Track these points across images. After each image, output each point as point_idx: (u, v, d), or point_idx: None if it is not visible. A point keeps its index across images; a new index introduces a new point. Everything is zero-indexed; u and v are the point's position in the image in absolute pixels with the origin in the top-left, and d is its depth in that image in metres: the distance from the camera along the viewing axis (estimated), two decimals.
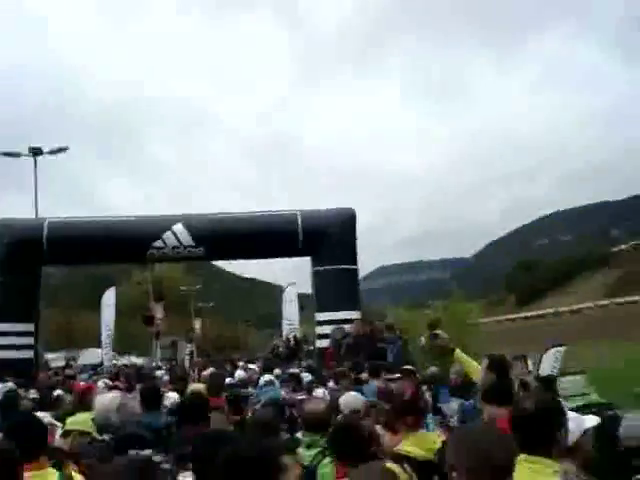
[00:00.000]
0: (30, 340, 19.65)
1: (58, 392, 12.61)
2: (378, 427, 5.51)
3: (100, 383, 13.26)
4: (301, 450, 5.01)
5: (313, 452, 4.98)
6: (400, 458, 4.26)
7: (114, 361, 30.54)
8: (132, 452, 4.68)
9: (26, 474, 3.76)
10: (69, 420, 6.59)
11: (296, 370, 15.33)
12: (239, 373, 15.22)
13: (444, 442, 4.56)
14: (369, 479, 3.30)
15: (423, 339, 14.51)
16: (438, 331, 7.28)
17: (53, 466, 4.52)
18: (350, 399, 6.41)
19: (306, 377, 13.13)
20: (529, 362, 13.32)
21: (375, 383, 10.09)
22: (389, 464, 4.24)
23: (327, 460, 4.83)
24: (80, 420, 6.54)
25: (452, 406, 7.05)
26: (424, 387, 8.63)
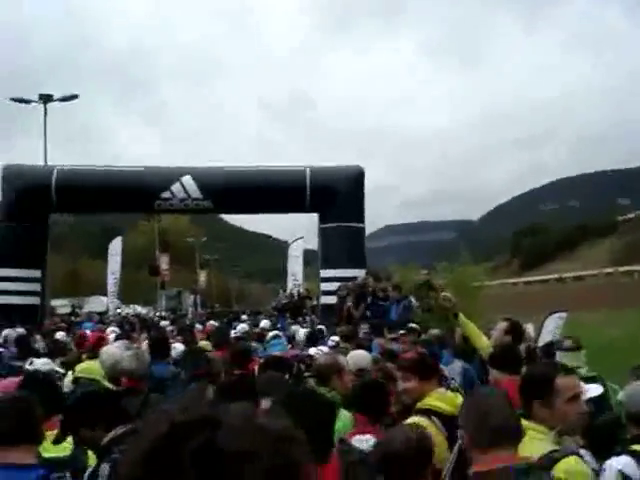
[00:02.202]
0: (37, 286, 19.84)
1: (62, 336, 12.79)
2: None
3: (109, 330, 13.40)
4: None
5: None
6: (428, 412, 4.41)
7: (119, 310, 30.84)
8: None
9: None
10: (79, 367, 6.67)
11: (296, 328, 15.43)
12: (242, 326, 15.33)
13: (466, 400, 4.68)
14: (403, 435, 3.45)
15: (413, 299, 14.60)
16: (447, 293, 7.28)
17: None
18: (358, 357, 6.45)
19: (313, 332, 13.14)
20: (530, 328, 13.38)
21: (377, 341, 10.19)
22: (417, 418, 4.36)
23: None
24: (90, 368, 6.64)
25: (455, 367, 7.10)
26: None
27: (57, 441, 3.82)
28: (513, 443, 2.97)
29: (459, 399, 4.71)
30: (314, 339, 11.27)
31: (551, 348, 7.19)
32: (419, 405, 4.69)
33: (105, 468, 3.51)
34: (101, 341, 9.19)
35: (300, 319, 19.99)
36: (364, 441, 3.82)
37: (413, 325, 11.11)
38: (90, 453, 3.91)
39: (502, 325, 6.30)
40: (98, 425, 3.77)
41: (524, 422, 3.55)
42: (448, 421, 4.39)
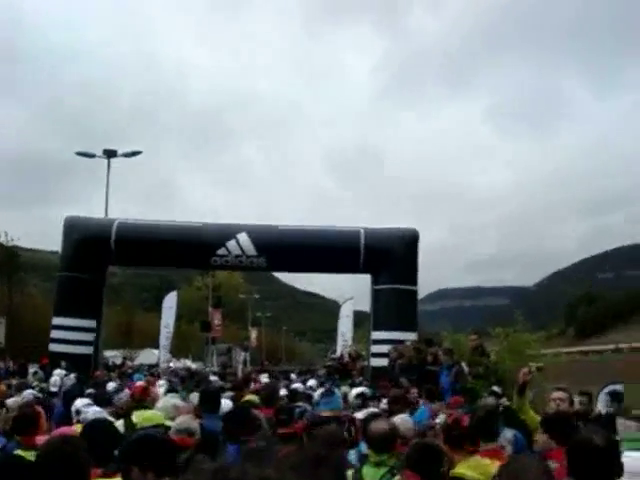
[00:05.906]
0: (91, 337, 20.13)
1: (113, 387, 12.89)
2: None
3: (160, 383, 13.45)
4: (370, 468, 5.02)
5: (382, 471, 4.97)
6: None
7: (170, 363, 30.99)
8: None
9: None
10: (141, 418, 6.73)
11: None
12: (296, 385, 15.28)
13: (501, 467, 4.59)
14: None
15: (464, 365, 14.29)
16: (540, 364, 7.27)
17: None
18: (400, 423, 6.31)
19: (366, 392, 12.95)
20: (577, 399, 13.01)
21: (429, 406, 10.02)
22: None
23: (396, 478, 4.85)
24: (149, 416, 6.73)
25: (506, 435, 6.93)
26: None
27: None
28: None
29: (494, 467, 4.63)
30: (365, 401, 11.12)
31: (610, 419, 7.03)
32: (451, 473, 4.63)
33: None
34: (145, 391, 9.17)
35: (350, 381, 19.79)
36: None
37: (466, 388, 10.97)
38: None
39: (562, 395, 6.21)
40: (151, 470, 3.77)
41: None
42: None
